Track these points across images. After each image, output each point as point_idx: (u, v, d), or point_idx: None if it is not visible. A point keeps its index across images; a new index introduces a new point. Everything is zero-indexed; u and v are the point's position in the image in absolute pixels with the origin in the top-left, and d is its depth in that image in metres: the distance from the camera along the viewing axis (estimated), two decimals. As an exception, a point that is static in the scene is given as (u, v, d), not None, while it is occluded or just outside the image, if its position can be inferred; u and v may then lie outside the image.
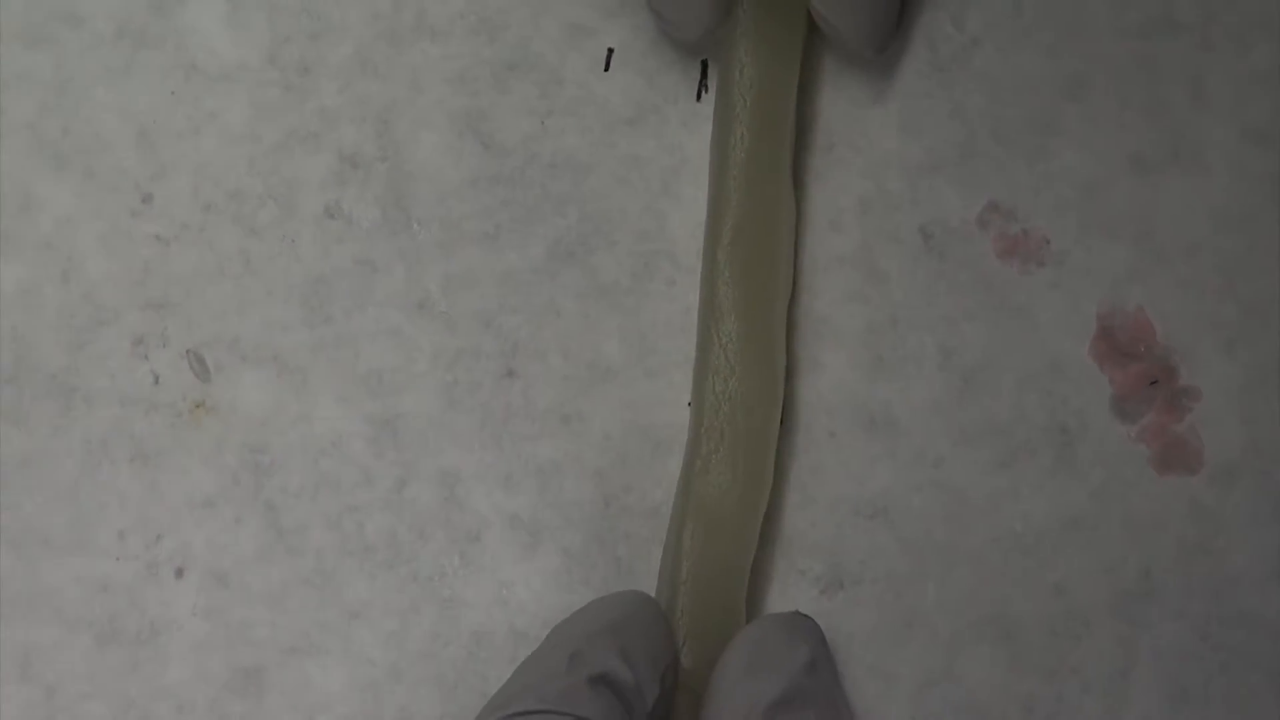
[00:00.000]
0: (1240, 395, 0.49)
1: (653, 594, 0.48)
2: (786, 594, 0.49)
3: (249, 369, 0.49)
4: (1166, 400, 0.49)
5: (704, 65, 0.50)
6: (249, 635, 0.48)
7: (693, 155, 0.50)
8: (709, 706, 0.45)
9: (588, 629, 0.45)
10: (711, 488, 0.47)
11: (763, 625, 0.46)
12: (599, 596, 0.47)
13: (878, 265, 0.50)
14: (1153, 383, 0.49)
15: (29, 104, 0.50)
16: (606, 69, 0.50)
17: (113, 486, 0.49)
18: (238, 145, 0.50)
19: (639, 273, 0.50)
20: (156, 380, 0.49)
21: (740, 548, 0.47)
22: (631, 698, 0.43)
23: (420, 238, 0.50)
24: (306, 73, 0.50)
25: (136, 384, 0.49)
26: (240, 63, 0.50)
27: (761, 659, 0.45)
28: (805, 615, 0.47)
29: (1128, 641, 0.48)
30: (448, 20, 0.50)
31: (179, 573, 0.49)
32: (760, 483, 0.48)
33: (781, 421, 0.48)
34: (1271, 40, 0.50)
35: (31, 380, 0.49)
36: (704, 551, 0.47)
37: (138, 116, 0.50)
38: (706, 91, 0.50)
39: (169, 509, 0.49)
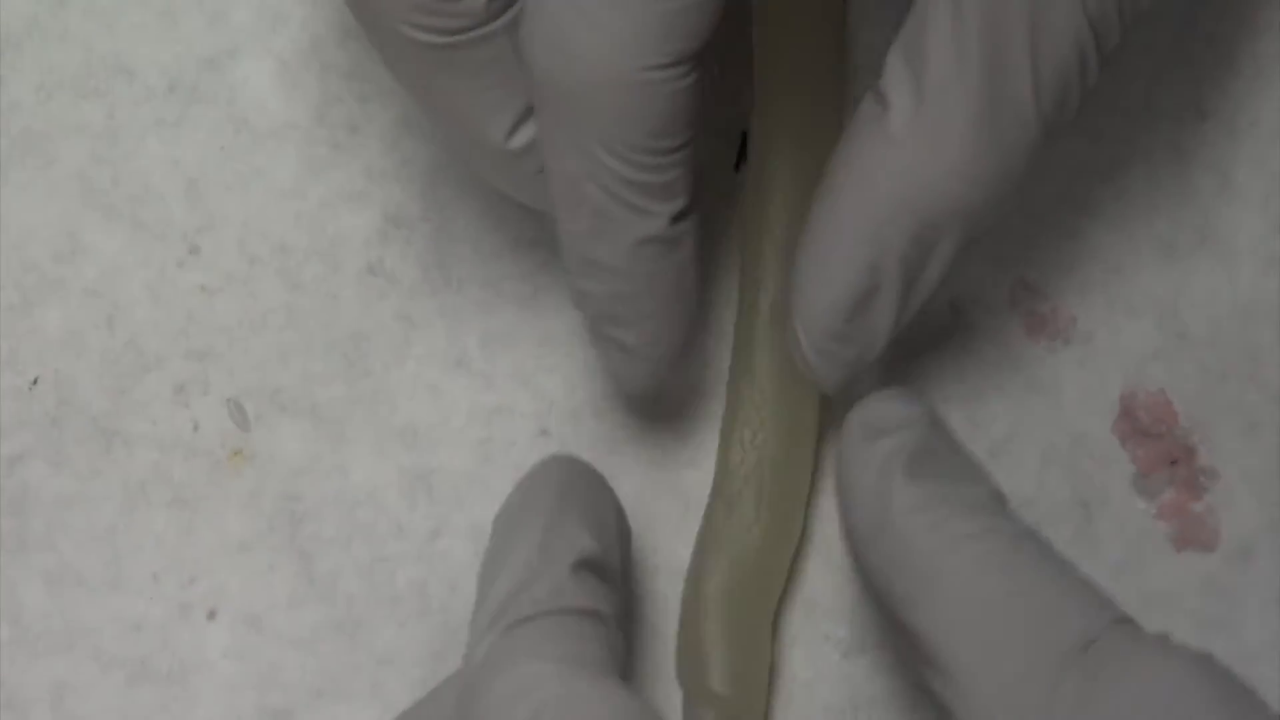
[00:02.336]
0: (1259, 478, 0.50)
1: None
2: (810, 658, 0.49)
3: (288, 419, 0.50)
4: (1186, 480, 0.50)
5: (743, 136, 0.51)
6: (278, 678, 0.49)
7: (727, 225, 0.51)
8: (844, 481, 0.44)
9: (539, 512, 0.45)
10: (734, 526, 0.48)
11: (869, 402, 0.46)
12: (523, 478, 0.47)
13: (906, 338, 0.50)
14: (1173, 462, 0.50)
15: (80, 153, 0.51)
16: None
17: (149, 529, 0.50)
18: (285, 201, 0.51)
19: (672, 337, 0.51)
20: (196, 427, 0.50)
21: (765, 582, 0.48)
22: (607, 570, 0.44)
23: (460, 296, 0.51)
24: (355, 132, 0.51)
25: (176, 430, 0.50)
26: (290, 121, 0.52)
27: (882, 425, 0.44)
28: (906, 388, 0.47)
29: (1143, 716, 0.49)
30: (493, 85, 0.51)
31: (211, 614, 0.49)
32: (787, 530, 0.48)
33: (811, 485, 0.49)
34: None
35: (73, 424, 0.50)
36: (726, 584, 0.48)
37: (187, 169, 0.51)
38: (745, 161, 0.51)
39: (204, 552, 0.50)
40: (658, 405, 0.51)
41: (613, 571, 0.45)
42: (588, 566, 0.44)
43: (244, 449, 0.50)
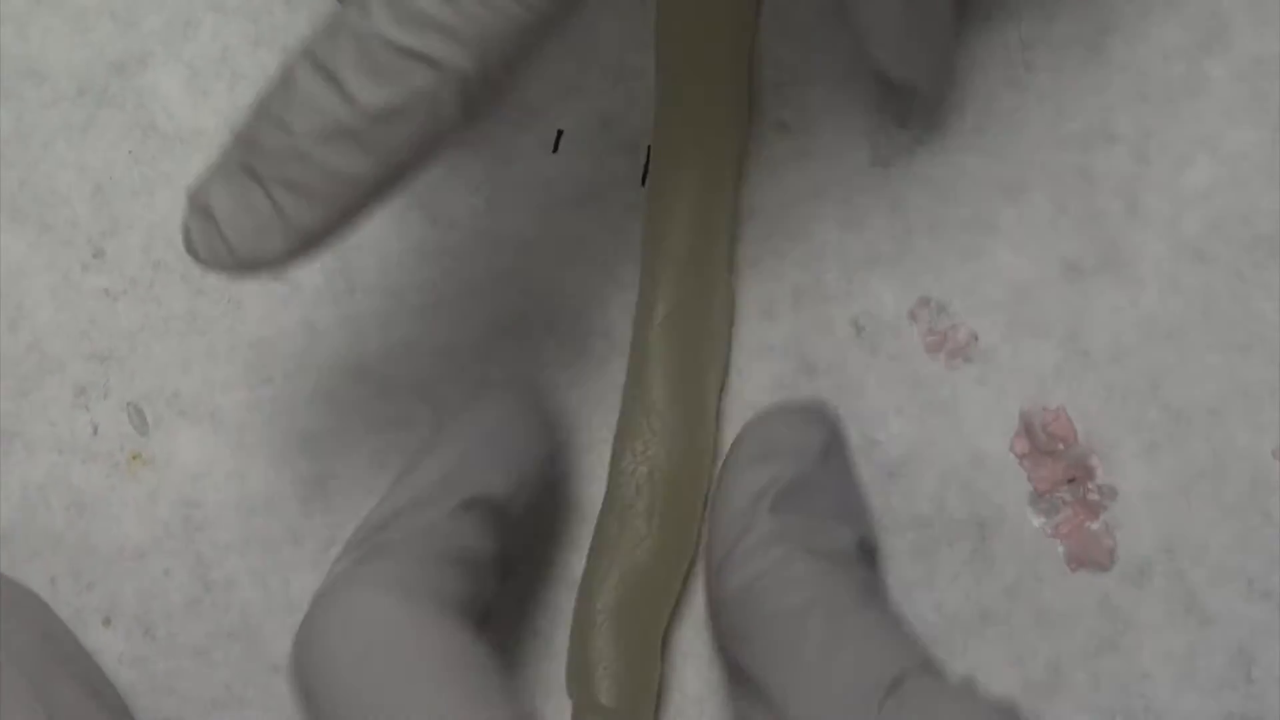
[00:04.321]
0: (1157, 498, 0.50)
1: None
2: (701, 674, 0.49)
3: (187, 424, 0.50)
4: (1083, 498, 0.50)
5: (649, 150, 0.51)
6: (173, 685, 0.49)
7: (634, 240, 0.51)
8: (719, 494, 0.45)
9: (452, 442, 0.45)
10: (625, 539, 0.48)
11: (774, 413, 0.47)
12: (474, 402, 0.47)
13: (808, 355, 0.51)
14: (1070, 481, 0.50)
15: (-10, 157, 0.51)
16: (555, 150, 0.52)
17: (47, 533, 0.50)
18: (191, 206, 0.51)
19: (576, 350, 0.51)
20: (95, 431, 0.50)
21: (655, 597, 0.48)
22: (503, 513, 0.44)
23: (362, 305, 0.51)
24: (262, 139, 0.51)
25: (76, 433, 0.50)
26: (198, 127, 0.52)
27: (772, 446, 0.45)
28: (820, 401, 0.48)
29: (1034, 733, 0.49)
30: (403, 96, 0.51)
31: (107, 621, 0.50)
32: (679, 544, 0.49)
33: (706, 504, 0.49)
34: (1208, 157, 0.51)
35: (-25, 425, 0.50)
36: (617, 597, 0.48)
37: (94, 173, 0.51)
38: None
39: (101, 558, 0.50)
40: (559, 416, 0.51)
41: (512, 515, 0.45)
42: (479, 506, 0.44)
43: (143, 453, 0.50)
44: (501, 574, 0.45)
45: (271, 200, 0.38)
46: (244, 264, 0.39)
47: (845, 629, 0.43)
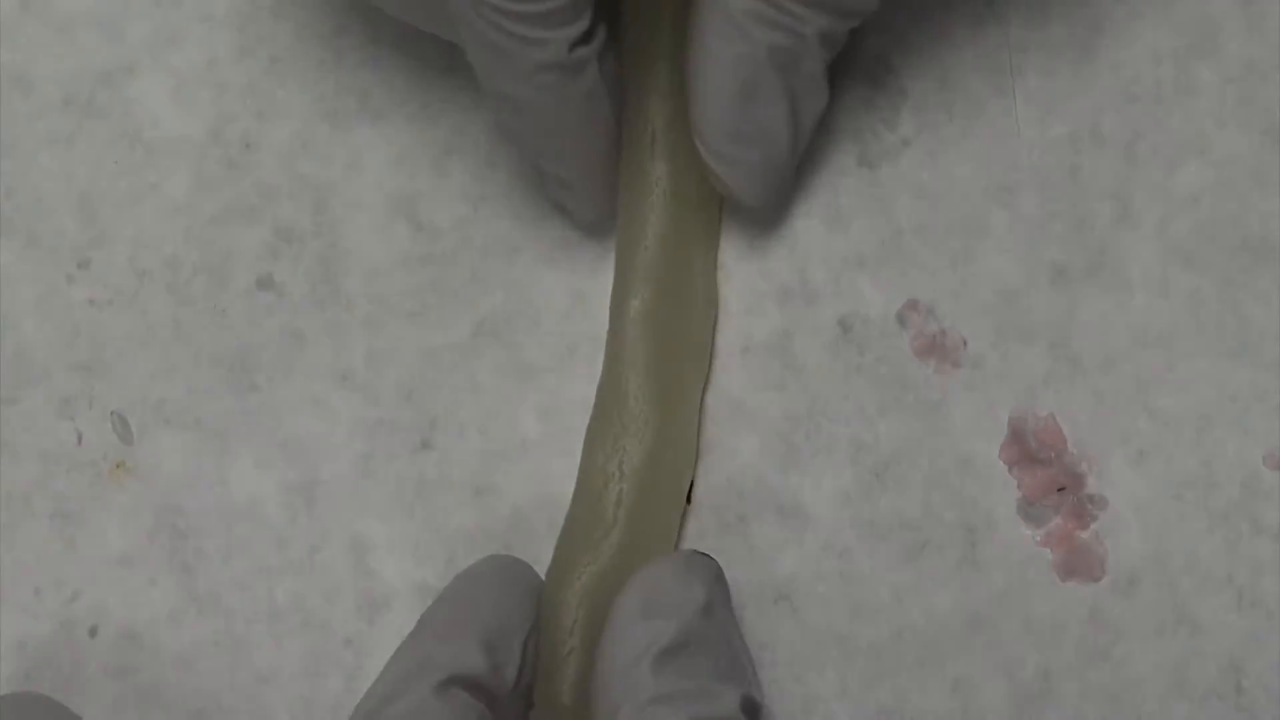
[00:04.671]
0: (1147, 507, 0.50)
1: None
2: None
3: (171, 432, 0.50)
4: (1073, 507, 0.50)
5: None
6: (159, 695, 0.49)
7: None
8: (602, 651, 0.45)
9: (445, 619, 0.45)
10: (594, 533, 0.48)
11: (658, 566, 0.47)
12: (462, 572, 0.47)
13: (795, 355, 0.51)
14: (1060, 489, 0.50)
15: (-24, 167, 0.52)
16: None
17: (31, 543, 0.50)
18: (176, 216, 0.51)
19: (561, 353, 0.51)
20: (80, 439, 0.50)
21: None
22: (489, 684, 0.44)
23: (348, 312, 0.51)
24: (249, 149, 0.52)
25: (60, 442, 0.50)
26: (184, 136, 0.52)
27: (655, 602, 0.45)
28: (703, 554, 0.47)
29: (1023, 742, 0.49)
30: (389, 105, 0.52)
31: (93, 631, 0.50)
32: (647, 541, 0.48)
33: (689, 500, 0.49)
34: (1198, 161, 0.51)
35: (-40, 434, 0.50)
36: (582, 592, 0.48)
37: (80, 183, 0.52)
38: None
39: (86, 567, 0.50)
40: (543, 414, 0.51)
41: (498, 686, 0.45)
42: (461, 684, 0.43)
43: (126, 461, 0.50)
44: None
45: None
46: None
47: None
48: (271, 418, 0.50)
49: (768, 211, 0.51)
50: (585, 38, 0.45)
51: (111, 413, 0.50)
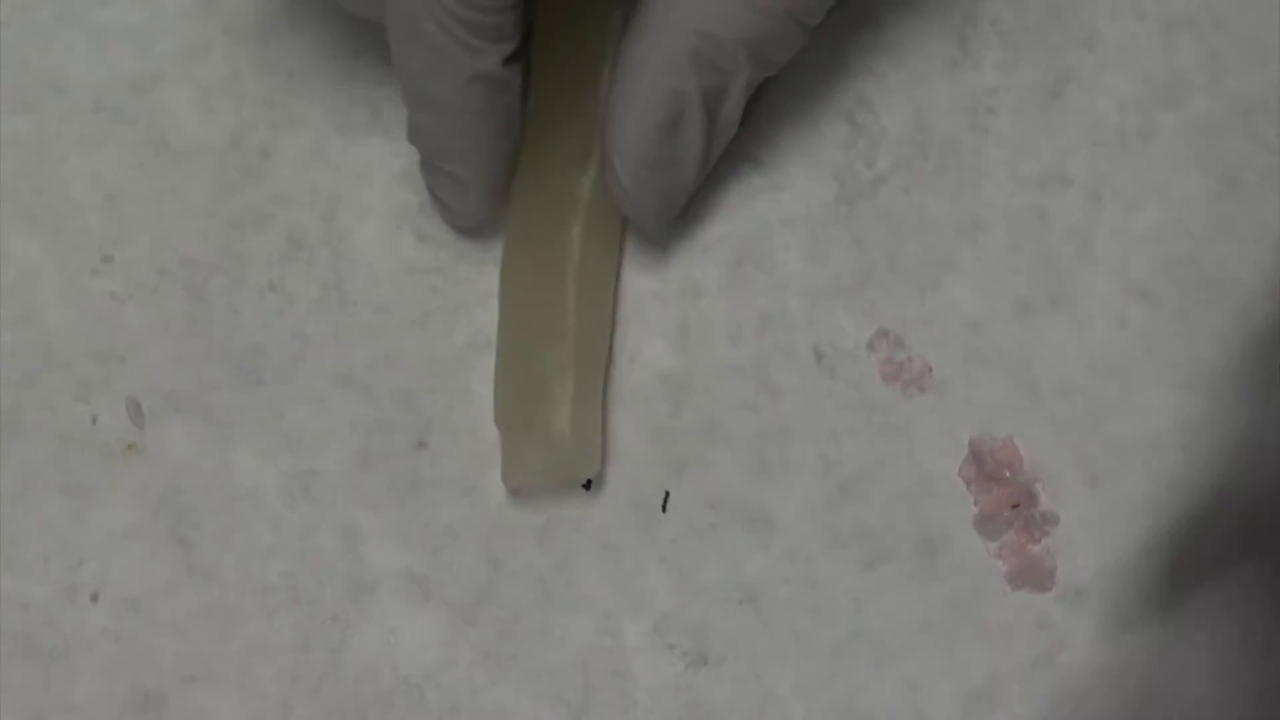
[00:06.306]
0: (1096, 525, 0.53)
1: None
2: (655, 666, 0.52)
3: (181, 419, 0.53)
4: (1025, 523, 0.53)
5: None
6: (153, 660, 0.52)
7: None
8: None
9: None
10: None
11: None
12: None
13: (771, 378, 0.54)
14: (1014, 506, 0.53)
15: (9, 164, 0.55)
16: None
17: (43, 513, 0.53)
18: (195, 218, 0.55)
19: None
20: (95, 421, 0.53)
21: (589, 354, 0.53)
22: None
23: (353, 318, 0.54)
24: (265, 158, 0.55)
25: (77, 423, 0.53)
26: (205, 144, 0.55)
27: None
28: None
29: (970, 742, 0.51)
30: (399, 121, 0.55)
31: (94, 597, 0.52)
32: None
33: (664, 509, 0.52)
34: (1158, 204, 0.54)
35: (-19, 413, 0.54)
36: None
37: (107, 184, 0.55)
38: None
39: (92, 538, 0.53)
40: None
41: None
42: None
43: (137, 444, 0.53)
44: None
45: None
46: None
47: None
48: (275, 412, 0.53)
49: (750, 243, 0.54)
50: (514, 56, 0.50)
51: (126, 398, 0.53)
